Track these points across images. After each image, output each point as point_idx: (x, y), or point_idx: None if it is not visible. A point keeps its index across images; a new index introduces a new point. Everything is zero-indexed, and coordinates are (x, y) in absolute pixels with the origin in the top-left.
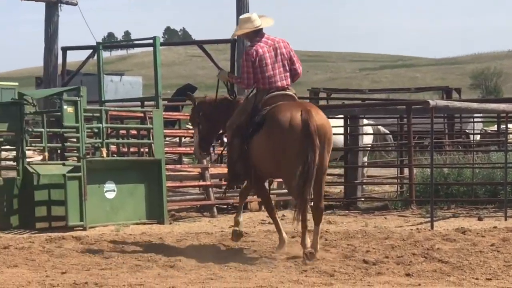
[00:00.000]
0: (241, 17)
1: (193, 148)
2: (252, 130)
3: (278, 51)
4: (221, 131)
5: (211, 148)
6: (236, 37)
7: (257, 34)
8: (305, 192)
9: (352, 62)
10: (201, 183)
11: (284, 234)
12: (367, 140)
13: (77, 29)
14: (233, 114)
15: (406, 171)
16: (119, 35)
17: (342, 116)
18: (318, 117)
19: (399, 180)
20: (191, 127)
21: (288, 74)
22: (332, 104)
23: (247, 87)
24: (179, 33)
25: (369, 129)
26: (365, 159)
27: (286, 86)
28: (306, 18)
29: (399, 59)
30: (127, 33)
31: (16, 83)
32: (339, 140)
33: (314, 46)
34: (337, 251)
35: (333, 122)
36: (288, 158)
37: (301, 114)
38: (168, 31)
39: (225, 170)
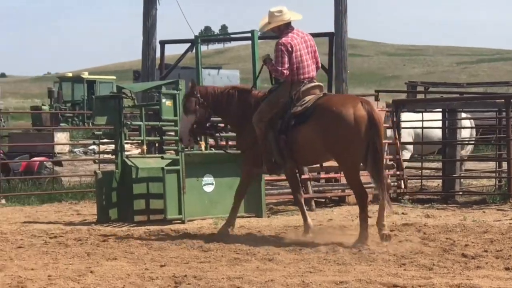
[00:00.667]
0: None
1: (180, 134)
2: (296, 121)
3: (308, 43)
4: (220, 123)
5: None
6: (263, 30)
7: (288, 26)
8: (382, 176)
9: (449, 56)
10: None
11: (310, 220)
12: (465, 134)
13: (174, 23)
14: (255, 107)
15: (504, 164)
16: (215, 29)
17: (440, 109)
18: (375, 108)
19: (497, 174)
20: None
21: (314, 66)
22: (430, 97)
23: (282, 76)
24: None
25: (467, 123)
26: (463, 152)
27: (314, 77)
28: (403, 12)
29: (497, 52)
30: (223, 27)
31: (114, 77)
32: (437, 133)
33: (412, 40)
34: (435, 245)
35: (431, 115)
36: (354, 149)
37: (363, 106)
38: None
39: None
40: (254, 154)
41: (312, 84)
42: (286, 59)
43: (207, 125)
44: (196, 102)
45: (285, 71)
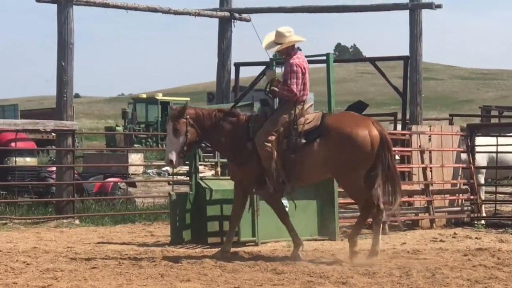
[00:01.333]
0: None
1: (169, 155)
2: (306, 140)
3: (307, 65)
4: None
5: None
6: (274, 50)
7: (293, 48)
8: (397, 191)
9: None
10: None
11: (300, 239)
12: None
13: (248, 45)
14: (242, 129)
15: None
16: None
17: None
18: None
19: None
20: None
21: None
22: (505, 122)
23: (294, 97)
24: (350, 50)
25: None
26: None
27: None
28: (477, 36)
29: None
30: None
31: (188, 99)
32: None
33: (485, 64)
34: (510, 270)
35: (505, 140)
36: (364, 167)
37: (375, 125)
38: (339, 47)
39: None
40: (254, 177)
41: (309, 103)
42: (300, 80)
43: (194, 145)
44: (187, 123)
45: (298, 92)
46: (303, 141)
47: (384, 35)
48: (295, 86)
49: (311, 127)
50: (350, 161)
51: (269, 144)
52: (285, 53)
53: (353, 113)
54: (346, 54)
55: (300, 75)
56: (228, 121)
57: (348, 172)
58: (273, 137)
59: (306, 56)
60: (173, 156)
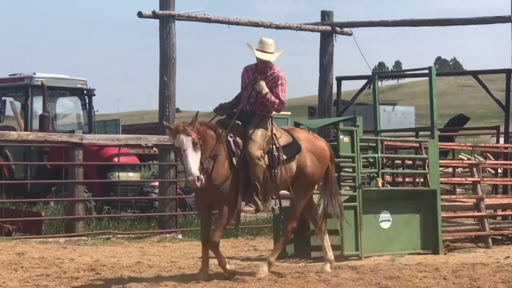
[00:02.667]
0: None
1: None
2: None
3: None
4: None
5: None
6: (271, 60)
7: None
8: (338, 205)
9: None
10: (476, 213)
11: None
12: None
13: (349, 59)
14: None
15: None
16: (389, 65)
17: None
18: None
19: None
20: (465, 157)
21: None
22: None
23: (282, 107)
24: (450, 63)
25: None
26: None
27: None
28: None
29: None
30: (397, 63)
31: (289, 113)
32: None
33: None
34: None
35: None
36: (327, 179)
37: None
38: (439, 61)
39: (501, 201)
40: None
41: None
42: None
43: None
44: (198, 138)
45: (284, 104)
46: (284, 156)
47: (484, 48)
48: (283, 97)
49: (286, 143)
50: (320, 174)
51: (262, 159)
52: (264, 65)
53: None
54: (446, 68)
55: (285, 88)
56: (210, 135)
57: (313, 186)
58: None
59: (407, 70)
60: (198, 172)
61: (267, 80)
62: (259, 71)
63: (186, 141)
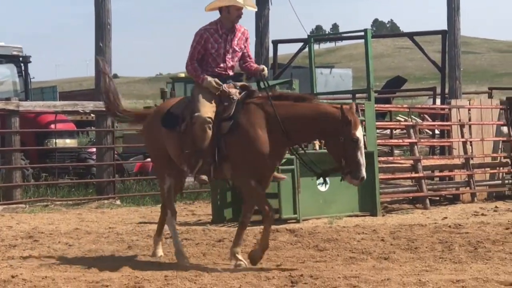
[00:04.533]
0: None
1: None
2: None
3: None
4: None
5: None
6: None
7: None
8: None
9: None
10: (414, 175)
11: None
12: None
13: (286, 23)
14: None
15: None
16: (327, 28)
17: None
18: None
19: None
20: (402, 119)
21: None
22: None
23: None
24: (387, 25)
25: None
26: None
27: None
28: None
29: None
30: (335, 26)
31: None
32: None
33: None
34: None
35: None
36: None
37: None
38: (376, 23)
39: (438, 162)
40: None
41: None
42: None
43: None
44: None
45: None
46: None
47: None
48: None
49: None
50: None
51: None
52: (233, 18)
53: None
54: (384, 30)
55: None
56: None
57: None
58: None
59: (344, 33)
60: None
61: (240, 39)
62: (226, 31)
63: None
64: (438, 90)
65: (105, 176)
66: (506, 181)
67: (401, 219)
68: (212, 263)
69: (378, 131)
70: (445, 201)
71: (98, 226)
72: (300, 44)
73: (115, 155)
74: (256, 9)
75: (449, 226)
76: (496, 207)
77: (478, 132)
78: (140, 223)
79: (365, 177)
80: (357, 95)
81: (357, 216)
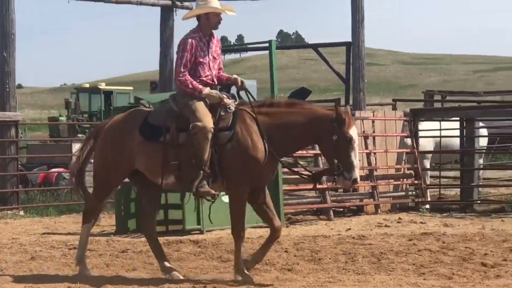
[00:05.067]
0: None
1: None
2: None
3: None
4: None
5: None
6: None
7: None
8: None
9: (465, 64)
10: (318, 186)
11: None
12: (483, 142)
13: None
14: None
15: None
16: (232, 39)
17: (457, 118)
18: None
19: None
20: None
21: None
22: (448, 106)
23: None
24: (292, 36)
25: (484, 132)
26: (481, 161)
27: None
28: (419, 21)
29: None
30: (240, 37)
31: (131, 88)
32: (455, 142)
33: (428, 49)
34: (454, 254)
35: (448, 124)
36: None
37: None
38: (281, 34)
39: None
40: None
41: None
42: None
43: None
44: None
45: None
46: None
47: (327, 21)
48: None
49: None
50: None
51: None
52: (211, 25)
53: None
54: (289, 41)
55: None
56: None
57: None
58: None
59: (248, 44)
60: None
61: (216, 47)
62: (206, 38)
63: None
64: (343, 102)
65: (9, 187)
66: (410, 193)
67: (305, 230)
68: (115, 274)
69: None
70: (349, 212)
71: (1, 236)
72: None
73: (19, 166)
74: (235, 14)
75: (353, 238)
76: (399, 218)
77: (382, 143)
78: (44, 233)
79: (358, 179)
80: None
81: (261, 227)
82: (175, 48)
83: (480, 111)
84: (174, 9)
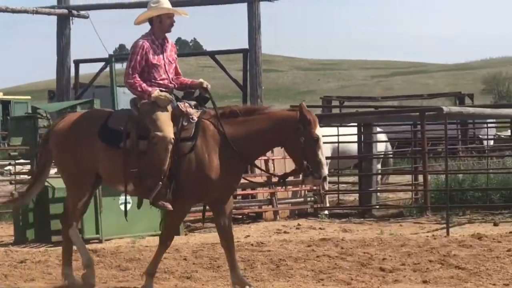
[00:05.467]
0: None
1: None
2: None
3: None
4: None
5: None
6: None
7: None
8: None
9: (363, 70)
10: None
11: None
12: (381, 147)
13: (89, 42)
14: None
15: (420, 177)
16: (130, 46)
17: (355, 124)
18: None
19: (413, 187)
20: None
21: None
22: (346, 112)
23: None
24: (190, 44)
25: (382, 137)
26: (379, 166)
27: None
28: (317, 26)
29: (411, 65)
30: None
31: (29, 97)
32: (353, 148)
33: (326, 55)
34: (353, 259)
35: (346, 130)
36: None
37: None
38: (179, 41)
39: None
40: None
41: None
42: None
43: None
44: None
45: None
46: None
47: (224, 28)
48: None
49: None
50: None
51: None
52: (164, 27)
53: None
54: (187, 48)
55: None
56: None
57: None
58: None
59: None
60: None
61: (171, 51)
62: (159, 40)
63: None
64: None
65: None
66: (308, 199)
67: (203, 238)
68: (14, 285)
69: None
70: (248, 219)
71: None
72: (102, 63)
73: None
74: (187, 15)
75: (252, 244)
76: (298, 224)
77: (280, 150)
78: None
79: (327, 176)
80: None
81: (159, 235)
82: (72, 57)
83: (377, 116)
84: (71, 18)
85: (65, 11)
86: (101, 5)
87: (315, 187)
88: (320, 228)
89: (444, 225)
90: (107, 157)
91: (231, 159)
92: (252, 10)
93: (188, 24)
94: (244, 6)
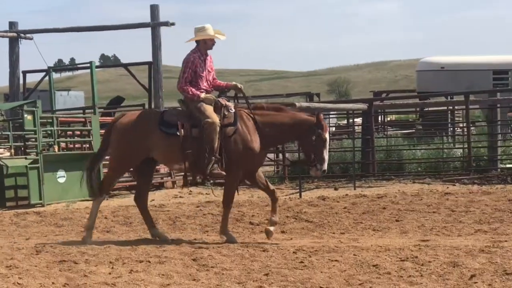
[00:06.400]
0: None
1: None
2: None
3: None
4: None
5: None
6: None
7: None
8: None
9: (240, 76)
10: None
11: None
12: None
13: (34, 57)
14: None
15: (280, 155)
16: (66, 60)
17: None
18: None
19: (275, 162)
20: None
21: None
22: None
23: None
24: (111, 58)
25: None
26: None
27: None
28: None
29: (275, 73)
30: (72, 59)
31: None
32: None
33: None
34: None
35: None
36: None
37: None
38: (103, 57)
39: None
40: None
41: None
42: None
43: None
44: None
45: None
46: None
47: (137, 46)
48: None
49: None
50: None
51: None
52: (206, 46)
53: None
54: (108, 61)
55: None
56: None
57: None
58: None
59: (76, 64)
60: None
61: (210, 62)
62: (204, 56)
63: None
64: (147, 106)
65: None
66: None
67: (120, 202)
68: None
69: None
70: (153, 188)
71: None
72: (43, 73)
73: None
74: (225, 37)
75: (155, 206)
76: (190, 191)
77: None
78: None
79: (326, 170)
80: (87, 111)
81: (87, 200)
82: (21, 68)
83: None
84: (19, 39)
85: (15, 34)
86: (42, 30)
87: None
88: (206, 194)
89: (298, 190)
90: (165, 143)
91: (262, 141)
92: (154, 33)
93: (110, 43)
94: (148, 30)
